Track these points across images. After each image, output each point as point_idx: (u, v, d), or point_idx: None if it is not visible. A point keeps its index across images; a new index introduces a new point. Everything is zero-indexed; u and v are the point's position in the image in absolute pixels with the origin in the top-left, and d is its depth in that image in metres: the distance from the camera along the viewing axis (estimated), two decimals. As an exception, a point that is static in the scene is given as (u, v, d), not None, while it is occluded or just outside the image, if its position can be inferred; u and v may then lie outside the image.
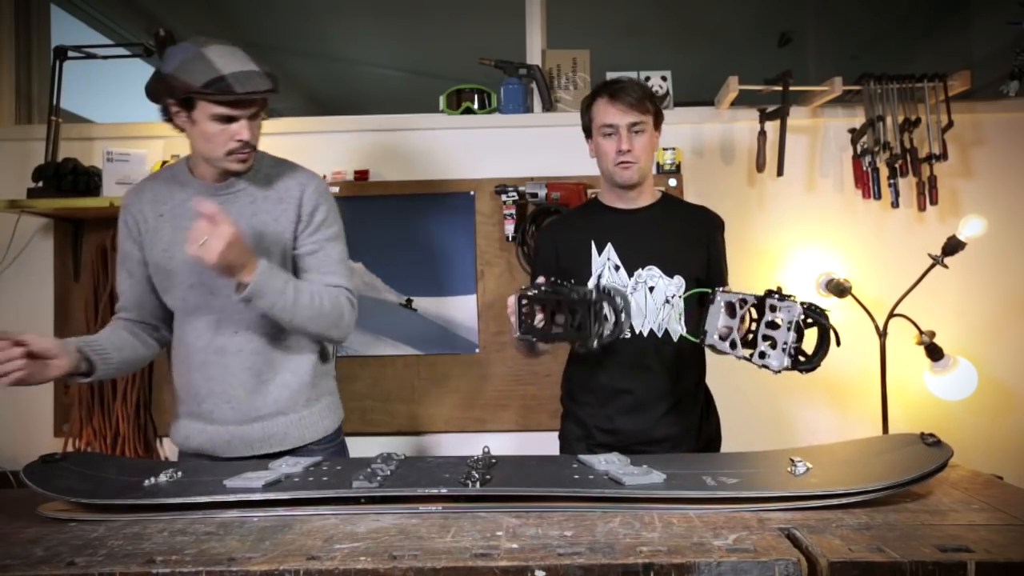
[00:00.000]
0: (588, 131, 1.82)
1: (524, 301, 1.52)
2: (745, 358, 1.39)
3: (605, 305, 1.44)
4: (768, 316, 1.36)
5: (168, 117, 1.55)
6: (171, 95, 1.50)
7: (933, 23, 4.41)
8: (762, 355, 1.35)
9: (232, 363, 1.61)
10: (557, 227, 1.92)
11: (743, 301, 1.41)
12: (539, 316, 1.51)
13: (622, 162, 1.73)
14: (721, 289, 1.48)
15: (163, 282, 1.62)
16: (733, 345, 1.42)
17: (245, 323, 1.61)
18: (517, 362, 2.53)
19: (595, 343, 1.44)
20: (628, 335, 1.73)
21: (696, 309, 1.79)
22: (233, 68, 1.47)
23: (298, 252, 1.64)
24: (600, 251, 1.78)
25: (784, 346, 1.33)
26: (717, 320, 1.46)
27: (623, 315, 1.47)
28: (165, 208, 1.62)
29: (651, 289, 1.75)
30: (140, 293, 1.65)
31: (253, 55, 1.56)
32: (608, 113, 1.73)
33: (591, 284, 1.77)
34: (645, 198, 1.83)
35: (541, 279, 1.56)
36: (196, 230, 1.42)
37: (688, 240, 1.81)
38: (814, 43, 4.62)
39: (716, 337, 1.45)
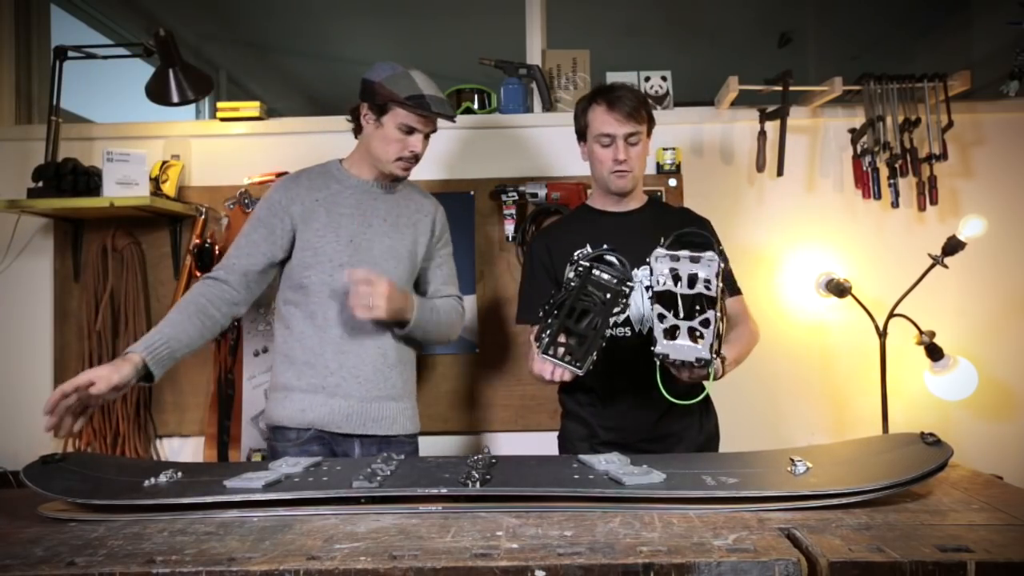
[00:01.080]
0: (582, 135, 1.85)
1: (551, 352, 1.48)
2: (719, 321, 1.41)
3: (596, 272, 1.45)
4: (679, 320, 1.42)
5: (356, 117, 1.83)
6: (371, 99, 1.76)
7: (933, 23, 4.41)
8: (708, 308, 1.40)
9: (367, 342, 1.80)
10: (549, 233, 1.94)
11: (675, 327, 1.44)
12: (563, 342, 1.48)
13: (618, 171, 1.78)
14: (657, 354, 1.45)
15: (311, 258, 1.80)
16: (717, 335, 1.43)
17: None
18: (517, 362, 2.53)
19: (627, 287, 1.45)
20: (628, 334, 1.74)
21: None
22: (430, 91, 1.75)
23: (428, 265, 1.94)
24: None
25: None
26: (684, 347, 1.43)
27: (620, 263, 1.48)
28: (320, 195, 1.84)
29: (647, 288, 1.77)
30: (252, 264, 1.79)
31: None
32: (606, 123, 1.76)
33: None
34: (635, 201, 1.88)
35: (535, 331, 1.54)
36: (357, 295, 1.67)
37: None
38: (814, 43, 4.62)
39: (716, 361, 1.44)
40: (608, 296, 1.45)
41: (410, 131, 1.76)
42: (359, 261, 1.79)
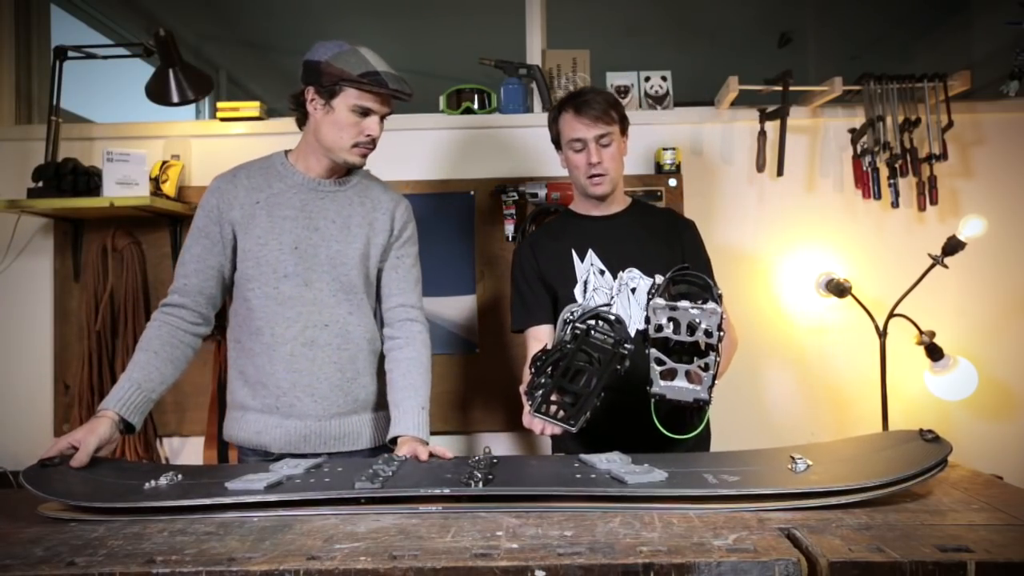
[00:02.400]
0: (557, 143, 1.87)
1: (553, 410, 1.43)
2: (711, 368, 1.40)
3: (594, 332, 1.40)
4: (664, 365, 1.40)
5: (299, 104, 1.65)
6: (317, 81, 1.58)
7: (933, 23, 4.41)
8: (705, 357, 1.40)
9: (320, 356, 1.65)
10: (534, 240, 1.95)
11: (659, 360, 1.42)
12: (555, 400, 1.44)
13: (594, 175, 1.79)
14: (653, 394, 1.43)
15: (252, 269, 1.64)
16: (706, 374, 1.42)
17: (335, 317, 1.67)
18: (516, 362, 2.52)
19: (624, 348, 1.40)
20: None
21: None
22: (384, 68, 1.59)
23: (384, 267, 1.75)
24: (582, 258, 1.82)
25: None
26: (683, 388, 1.42)
27: (617, 323, 1.44)
28: (261, 196, 1.66)
29: (633, 290, 1.79)
30: (206, 279, 1.65)
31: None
32: (575, 128, 1.78)
33: (578, 291, 1.79)
34: (617, 204, 1.89)
35: (525, 384, 1.50)
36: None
37: (662, 241, 1.86)
38: (814, 43, 4.62)
39: (707, 394, 1.42)
40: (604, 357, 1.41)
41: (365, 113, 1.60)
42: (305, 270, 1.64)
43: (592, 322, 1.41)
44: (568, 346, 1.40)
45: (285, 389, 1.64)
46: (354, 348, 1.69)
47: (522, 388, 1.52)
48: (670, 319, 1.38)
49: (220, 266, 1.66)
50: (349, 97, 1.58)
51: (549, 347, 1.49)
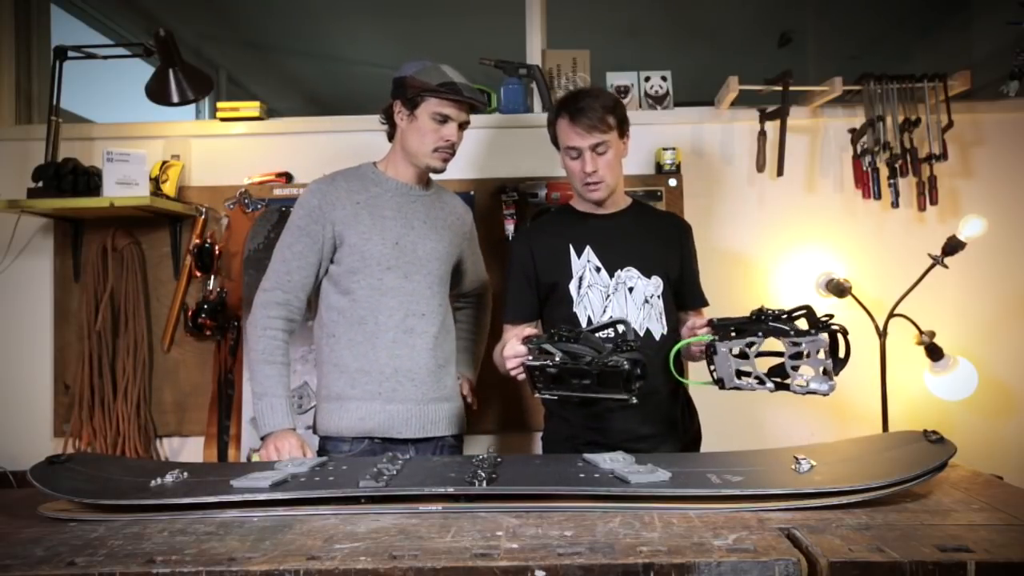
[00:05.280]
0: (556, 144, 1.86)
1: (536, 373, 1.45)
2: (784, 389, 1.41)
3: (625, 362, 1.38)
4: (791, 349, 1.37)
5: (388, 117, 1.86)
6: (403, 94, 1.79)
7: (933, 23, 4.41)
8: (800, 383, 1.38)
9: (418, 343, 1.81)
10: (531, 233, 1.95)
11: (750, 344, 1.41)
12: (547, 371, 1.44)
13: (589, 183, 1.78)
14: (719, 340, 1.45)
15: (356, 263, 1.79)
16: (761, 381, 1.43)
17: (431, 307, 1.85)
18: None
19: (634, 399, 1.42)
20: (612, 334, 1.74)
21: (674, 313, 1.81)
22: (460, 80, 1.79)
23: (461, 261, 2.02)
24: (579, 254, 1.82)
25: (824, 371, 1.36)
26: (728, 364, 1.45)
27: (639, 355, 1.43)
28: (361, 198, 1.83)
29: (631, 290, 1.79)
30: (307, 276, 1.80)
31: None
32: (569, 136, 1.77)
33: (572, 287, 1.79)
34: (617, 204, 1.88)
35: (530, 331, 1.51)
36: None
37: (661, 242, 1.86)
38: (814, 43, 4.62)
39: (736, 381, 1.46)
40: (606, 390, 1.42)
41: (444, 120, 1.78)
42: (405, 263, 1.81)
43: (630, 367, 1.39)
44: (609, 362, 1.39)
45: (388, 375, 1.78)
46: (443, 337, 1.86)
47: (519, 333, 1.51)
48: (793, 356, 1.37)
49: (319, 263, 1.81)
50: (430, 106, 1.77)
51: (594, 323, 1.60)
